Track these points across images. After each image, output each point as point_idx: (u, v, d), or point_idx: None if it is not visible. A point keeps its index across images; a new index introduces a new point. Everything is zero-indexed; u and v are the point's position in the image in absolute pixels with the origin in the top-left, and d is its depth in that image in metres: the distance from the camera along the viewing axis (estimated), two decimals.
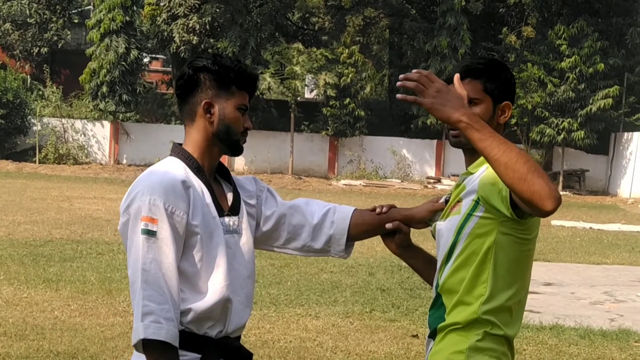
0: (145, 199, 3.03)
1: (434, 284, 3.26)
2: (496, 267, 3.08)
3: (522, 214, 2.98)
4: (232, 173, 3.42)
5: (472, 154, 3.21)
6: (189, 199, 3.08)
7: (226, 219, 3.21)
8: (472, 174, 3.19)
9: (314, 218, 3.44)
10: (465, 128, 2.80)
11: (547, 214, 2.74)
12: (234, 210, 3.26)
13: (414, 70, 2.88)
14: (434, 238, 3.33)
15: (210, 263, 3.12)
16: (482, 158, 3.15)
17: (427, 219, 3.40)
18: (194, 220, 3.08)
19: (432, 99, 2.83)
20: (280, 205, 3.46)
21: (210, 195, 3.18)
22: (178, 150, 3.24)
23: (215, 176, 3.32)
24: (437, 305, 3.20)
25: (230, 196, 3.30)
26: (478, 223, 3.08)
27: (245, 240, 3.28)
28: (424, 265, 3.54)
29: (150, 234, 3.00)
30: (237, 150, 3.25)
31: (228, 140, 3.21)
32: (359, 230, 3.45)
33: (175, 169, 3.15)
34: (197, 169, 3.18)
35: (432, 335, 3.21)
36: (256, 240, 3.41)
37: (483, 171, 3.11)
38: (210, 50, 36.80)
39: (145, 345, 2.96)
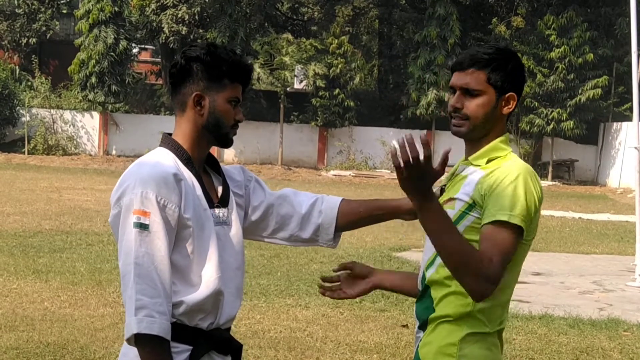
0: (137, 191, 3.01)
1: (420, 276, 3.23)
2: None
3: None
4: (220, 163, 3.40)
5: (473, 144, 3.20)
6: (181, 192, 3.05)
7: (216, 210, 3.19)
8: (473, 165, 3.16)
9: (302, 208, 3.42)
10: (417, 212, 2.91)
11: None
12: (224, 201, 3.24)
13: (407, 135, 2.84)
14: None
15: (202, 255, 3.10)
16: (484, 150, 3.16)
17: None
18: (185, 213, 3.06)
19: (406, 175, 2.82)
20: (269, 195, 3.44)
21: (201, 187, 3.16)
22: (168, 141, 3.21)
23: (205, 167, 3.30)
24: (425, 297, 3.17)
25: (219, 187, 3.28)
26: (475, 221, 3.05)
27: (235, 231, 3.26)
28: (402, 282, 3.53)
29: (142, 227, 2.98)
30: (226, 143, 3.23)
31: (217, 133, 3.18)
32: (346, 220, 3.44)
33: (166, 160, 3.12)
34: (187, 161, 3.16)
35: (422, 326, 3.18)
36: (244, 230, 3.39)
37: (482, 174, 3.08)
38: (199, 41, 36.71)
39: (138, 339, 2.95)
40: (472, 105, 3.14)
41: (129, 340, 2.99)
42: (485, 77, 3.13)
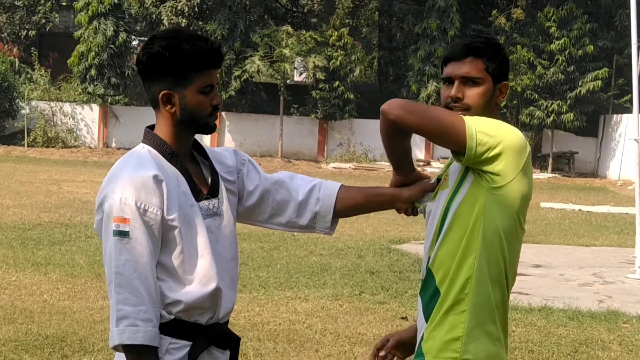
0: (116, 197, 2.95)
1: (424, 263, 3.19)
2: (485, 235, 3.02)
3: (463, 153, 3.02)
4: (211, 147, 3.32)
5: None
6: (162, 193, 2.98)
7: (205, 202, 3.11)
8: None
9: (299, 194, 3.34)
10: None
11: (393, 120, 3.03)
12: (213, 192, 3.16)
13: None
14: (424, 216, 3.29)
15: (193, 253, 3.05)
16: None
17: (414, 199, 3.33)
18: (169, 214, 2.99)
19: None
20: (264, 180, 3.35)
21: (187, 181, 3.08)
22: (150, 137, 3.13)
23: (193, 153, 3.21)
24: (428, 284, 3.14)
25: (208, 177, 3.19)
26: (467, 193, 3.04)
27: (227, 221, 3.19)
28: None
29: (122, 234, 2.93)
30: (207, 131, 3.12)
31: (195, 125, 3.10)
32: (344, 207, 3.36)
33: (146, 160, 3.04)
34: (170, 155, 3.08)
35: (426, 319, 3.14)
36: (239, 214, 3.33)
37: None
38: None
39: (124, 347, 2.94)
40: (473, 94, 3.13)
41: (115, 348, 2.98)
42: (483, 66, 3.14)
